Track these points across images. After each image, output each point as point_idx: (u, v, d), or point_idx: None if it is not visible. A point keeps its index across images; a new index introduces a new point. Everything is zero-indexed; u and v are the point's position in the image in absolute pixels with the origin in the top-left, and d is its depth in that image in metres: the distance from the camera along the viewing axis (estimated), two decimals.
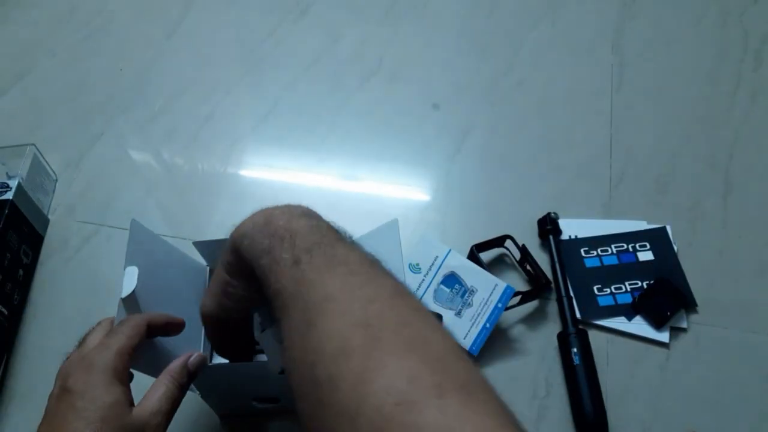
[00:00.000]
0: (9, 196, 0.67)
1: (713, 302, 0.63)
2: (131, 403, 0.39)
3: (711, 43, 0.85)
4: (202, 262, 0.58)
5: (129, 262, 0.46)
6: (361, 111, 0.83)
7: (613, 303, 0.64)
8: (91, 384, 0.37)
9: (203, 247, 0.55)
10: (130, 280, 0.45)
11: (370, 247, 0.53)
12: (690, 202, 0.71)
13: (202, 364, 0.45)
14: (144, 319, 0.43)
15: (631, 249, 0.67)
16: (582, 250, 0.68)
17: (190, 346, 0.53)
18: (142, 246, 0.49)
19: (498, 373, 0.60)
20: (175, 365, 0.43)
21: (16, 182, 0.68)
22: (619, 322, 0.62)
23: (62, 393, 0.38)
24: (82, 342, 0.43)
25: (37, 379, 0.63)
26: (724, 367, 0.59)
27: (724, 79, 0.81)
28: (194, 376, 0.44)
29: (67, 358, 0.41)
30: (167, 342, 0.47)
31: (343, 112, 0.83)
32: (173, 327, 0.46)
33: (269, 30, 0.93)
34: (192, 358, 0.44)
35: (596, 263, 0.67)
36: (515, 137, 0.79)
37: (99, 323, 0.45)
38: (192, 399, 0.56)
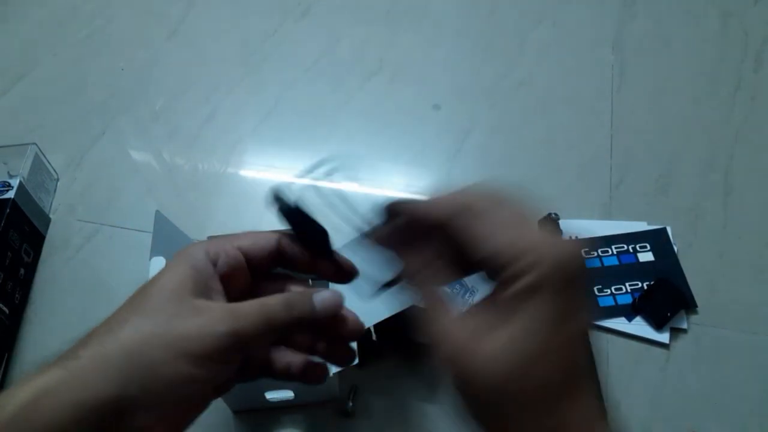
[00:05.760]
0: (10, 195, 0.67)
1: (713, 303, 0.63)
2: (198, 290, 0.29)
3: (711, 44, 0.85)
4: None
5: (154, 252, 0.46)
6: (362, 111, 0.83)
7: (613, 303, 0.64)
8: (159, 273, 0.30)
9: None
10: (157, 270, 0.45)
11: None
12: (690, 202, 0.71)
13: (334, 305, 0.31)
14: (273, 233, 0.33)
15: (631, 250, 0.67)
16: (582, 251, 0.68)
17: None
18: (165, 237, 0.49)
19: None
20: (298, 292, 0.32)
21: (18, 181, 0.68)
22: (619, 323, 0.62)
23: None
24: None
25: None
26: (724, 368, 0.60)
27: (724, 79, 0.81)
28: (318, 316, 0.30)
29: None
30: None
31: (344, 112, 0.83)
32: (335, 272, 0.33)
33: (270, 30, 0.93)
34: (321, 293, 0.31)
35: (596, 264, 0.67)
36: (516, 138, 0.79)
37: None
38: None
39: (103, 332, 0.27)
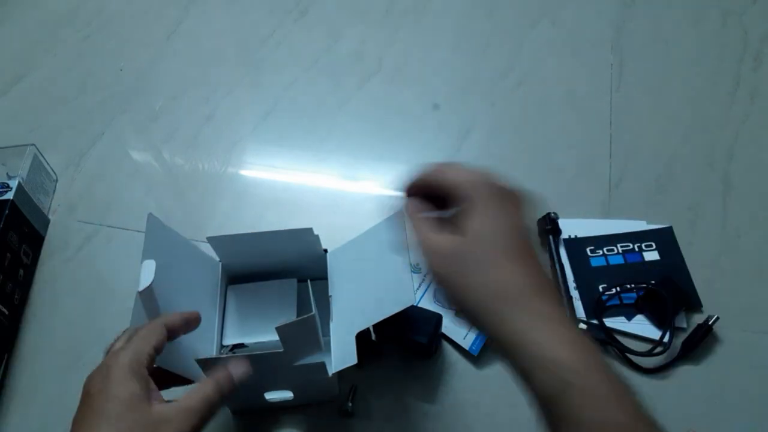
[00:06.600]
0: (9, 196, 0.67)
1: (713, 302, 0.63)
2: (154, 399, 0.39)
3: (711, 43, 0.85)
4: (214, 257, 0.58)
5: (146, 255, 0.46)
6: (361, 111, 0.83)
7: (618, 302, 0.64)
8: (107, 384, 0.38)
9: (217, 242, 0.56)
10: (147, 273, 0.45)
11: (376, 239, 0.54)
12: (689, 202, 0.71)
13: (246, 375, 0.45)
14: (161, 322, 0.43)
15: (636, 249, 0.67)
16: (588, 249, 0.68)
17: (204, 337, 0.53)
18: (159, 240, 0.49)
19: (498, 373, 0.60)
20: (220, 370, 0.43)
21: (17, 182, 0.68)
22: (620, 322, 0.62)
23: (83, 398, 0.39)
24: (107, 352, 0.43)
25: (37, 379, 0.63)
26: (724, 367, 0.59)
27: (724, 79, 0.81)
28: (236, 387, 0.44)
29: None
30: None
31: (343, 112, 0.83)
32: (192, 322, 0.46)
33: (269, 30, 0.93)
34: (236, 368, 0.44)
35: (602, 262, 0.67)
36: (515, 137, 0.79)
37: (123, 331, 0.45)
38: None
39: None
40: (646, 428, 0.31)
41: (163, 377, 0.45)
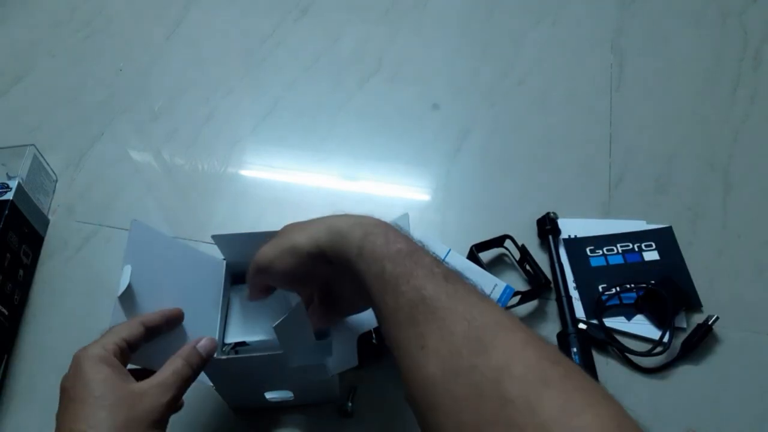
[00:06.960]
0: (9, 196, 0.67)
1: (713, 302, 0.63)
2: (128, 381, 0.40)
3: (710, 43, 0.85)
4: (218, 255, 0.58)
5: (127, 260, 0.46)
6: (361, 111, 0.83)
7: (617, 302, 0.64)
8: (80, 374, 0.39)
9: (221, 240, 0.56)
10: (124, 278, 0.45)
11: None
12: (689, 201, 0.71)
13: (213, 348, 0.46)
14: (138, 319, 0.44)
15: (636, 249, 0.67)
16: (587, 249, 0.68)
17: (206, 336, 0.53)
18: (143, 244, 0.49)
19: None
20: (186, 347, 0.45)
21: (16, 183, 0.68)
22: (620, 322, 0.62)
23: (61, 394, 0.40)
24: None
25: (37, 379, 0.63)
26: (724, 367, 0.59)
27: (724, 78, 0.81)
28: (206, 360, 0.45)
29: None
30: (186, 332, 0.48)
31: (343, 112, 0.83)
32: (173, 320, 0.47)
33: (269, 30, 0.93)
34: (201, 342, 0.45)
35: (602, 262, 0.67)
36: (515, 137, 0.79)
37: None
38: (206, 392, 0.56)
39: None
40: (423, 252, 0.38)
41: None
